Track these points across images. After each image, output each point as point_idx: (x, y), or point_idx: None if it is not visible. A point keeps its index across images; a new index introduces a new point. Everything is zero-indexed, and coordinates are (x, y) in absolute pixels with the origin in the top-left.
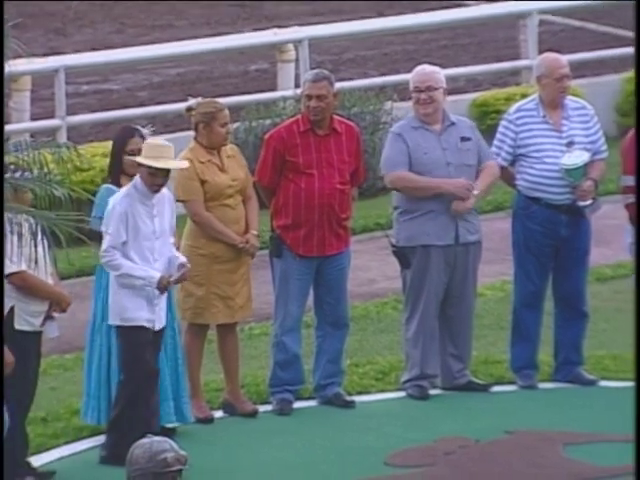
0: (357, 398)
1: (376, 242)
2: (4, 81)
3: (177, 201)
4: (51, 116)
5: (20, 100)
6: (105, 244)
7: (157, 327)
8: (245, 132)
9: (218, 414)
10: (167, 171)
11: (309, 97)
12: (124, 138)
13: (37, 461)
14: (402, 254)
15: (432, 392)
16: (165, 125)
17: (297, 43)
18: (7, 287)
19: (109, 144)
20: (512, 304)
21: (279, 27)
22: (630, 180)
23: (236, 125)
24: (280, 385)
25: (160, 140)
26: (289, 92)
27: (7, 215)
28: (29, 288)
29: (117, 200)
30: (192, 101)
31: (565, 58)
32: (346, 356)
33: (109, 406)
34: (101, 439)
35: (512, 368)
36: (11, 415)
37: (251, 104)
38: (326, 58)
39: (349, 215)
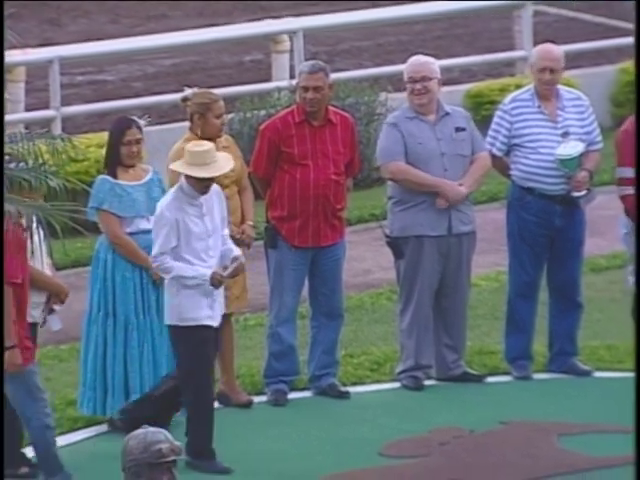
0: (352, 389)
1: (371, 233)
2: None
3: None
4: (46, 107)
5: (15, 91)
6: (155, 250)
7: (216, 323)
8: (240, 123)
9: None
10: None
11: (305, 89)
12: (122, 129)
13: (32, 452)
14: (396, 244)
15: (427, 383)
16: (160, 116)
17: (292, 34)
18: None
19: (104, 135)
20: (507, 294)
21: (273, 18)
22: (626, 172)
23: (230, 116)
24: (275, 376)
25: (201, 145)
26: (284, 83)
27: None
28: (32, 281)
29: (164, 206)
30: (188, 91)
31: (560, 51)
32: (341, 347)
33: (105, 396)
34: (96, 430)
35: (507, 359)
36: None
37: (246, 95)
38: (321, 49)
39: (344, 206)
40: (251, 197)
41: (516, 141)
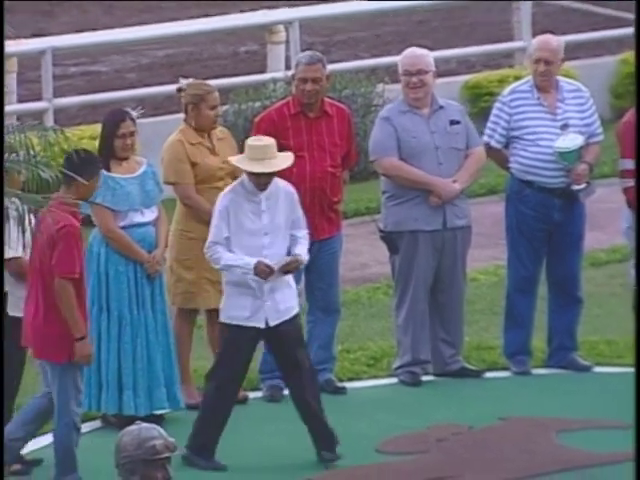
0: (348, 384)
1: (368, 226)
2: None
3: (166, 183)
4: (38, 98)
5: (6, 82)
6: (208, 239)
7: (265, 324)
8: (234, 115)
9: None
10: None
11: (304, 80)
12: (116, 121)
13: (24, 448)
14: (390, 239)
15: (424, 378)
16: (154, 107)
17: (287, 24)
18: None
19: (97, 127)
20: (505, 289)
21: (269, 8)
22: (628, 164)
23: (225, 108)
24: (270, 371)
25: (261, 140)
26: (279, 74)
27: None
28: (25, 274)
29: (221, 195)
30: (183, 82)
31: (558, 42)
32: (337, 342)
33: (99, 392)
34: (90, 425)
35: (505, 354)
36: None
37: (240, 86)
38: (317, 39)
39: (340, 198)
40: None
41: (515, 133)
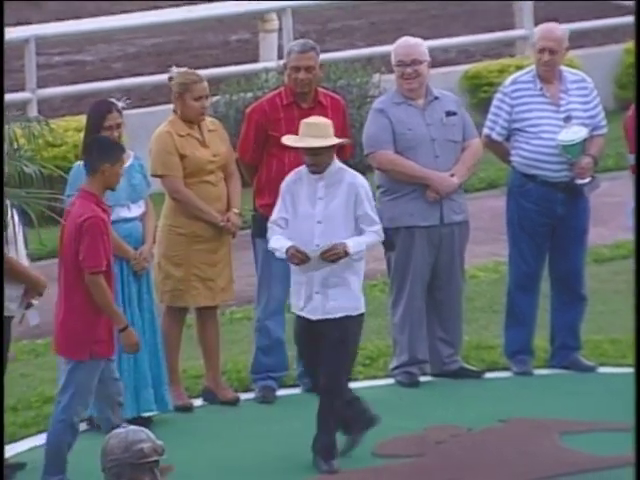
0: None
1: None
2: None
3: (154, 176)
4: (21, 89)
5: None
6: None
7: (309, 317)
8: (225, 106)
9: (197, 402)
10: (318, 151)
11: (297, 69)
12: (102, 113)
13: (7, 452)
14: (385, 236)
15: (422, 379)
16: (141, 98)
17: (280, 12)
18: None
19: (82, 118)
20: (506, 286)
21: None
22: (631, 159)
23: (216, 98)
24: (263, 372)
25: (317, 118)
26: (272, 64)
27: None
28: (10, 272)
29: (287, 177)
30: (174, 71)
31: (562, 31)
32: None
33: None
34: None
35: (506, 353)
36: None
37: (232, 76)
38: (310, 28)
39: None
40: (238, 184)
41: (517, 125)
